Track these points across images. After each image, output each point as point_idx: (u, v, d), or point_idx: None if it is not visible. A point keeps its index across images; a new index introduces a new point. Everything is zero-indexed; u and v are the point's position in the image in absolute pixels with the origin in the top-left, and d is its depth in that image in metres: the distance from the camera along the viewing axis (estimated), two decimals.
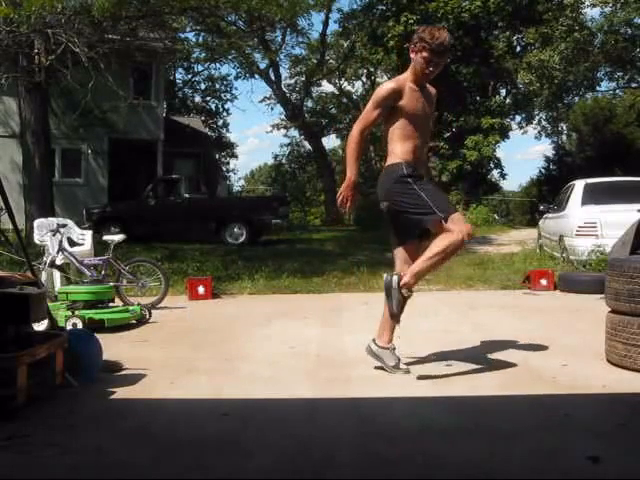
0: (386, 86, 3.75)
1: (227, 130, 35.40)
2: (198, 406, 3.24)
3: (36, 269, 5.66)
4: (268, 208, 14.37)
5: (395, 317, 3.60)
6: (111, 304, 5.84)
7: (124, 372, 3.88)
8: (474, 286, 8.26)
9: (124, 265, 6.68)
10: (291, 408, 3.21)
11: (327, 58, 27.55)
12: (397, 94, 3.65)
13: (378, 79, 27.05)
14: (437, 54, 3.64)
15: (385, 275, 3.61)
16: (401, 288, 3.48)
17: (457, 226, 3.47)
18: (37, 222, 7.46)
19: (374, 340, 3.85)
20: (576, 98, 29.19)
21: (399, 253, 3.81)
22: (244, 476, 2.36)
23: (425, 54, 3.63)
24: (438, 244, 3.48)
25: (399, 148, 3.68)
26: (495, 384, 3.53)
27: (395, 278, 3.51)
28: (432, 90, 3.87)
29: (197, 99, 33.24)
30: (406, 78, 3.73)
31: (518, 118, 28.70)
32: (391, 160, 3.71)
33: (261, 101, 30.52)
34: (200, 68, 29.47)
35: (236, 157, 39.69)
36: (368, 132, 3.75)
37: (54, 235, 6.65)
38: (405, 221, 3.67)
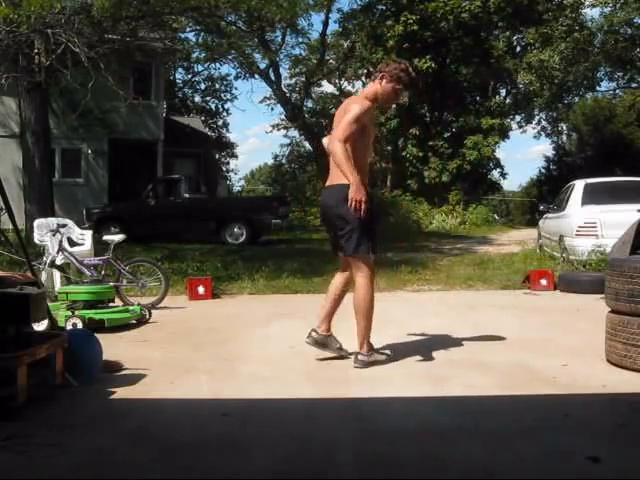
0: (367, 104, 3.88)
1: (227, 130, 35.42)
2: (198, 406, 3.24)
3: (36, 269, 5.66)
4: (268, 208, 14.34)
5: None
6: (111, 304, 5.83)
7: (124, 372, 3.87)
8: (474, 286, 8.25)
9: (124, 265, 6.67)
10: (291, 408, 3.20)
11: (327, 58, 27.52)
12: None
13: None
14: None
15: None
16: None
17: None
18: (37, 222, 7.45)
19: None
20: (576, 98, 29.24)
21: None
22: (244, 476, 2.36)
23: (399, 86, 3.91)
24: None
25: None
26: (495, 384, 3.53)
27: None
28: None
29: (197, 99, 33.26)
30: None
31: (518, 118, 28.74)
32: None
33: (261, 101, 30.50)
34: (200, 68, 29.49)
35: (236, 157, 39.66)
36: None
37: (54, 235, 6.65)
38: None
